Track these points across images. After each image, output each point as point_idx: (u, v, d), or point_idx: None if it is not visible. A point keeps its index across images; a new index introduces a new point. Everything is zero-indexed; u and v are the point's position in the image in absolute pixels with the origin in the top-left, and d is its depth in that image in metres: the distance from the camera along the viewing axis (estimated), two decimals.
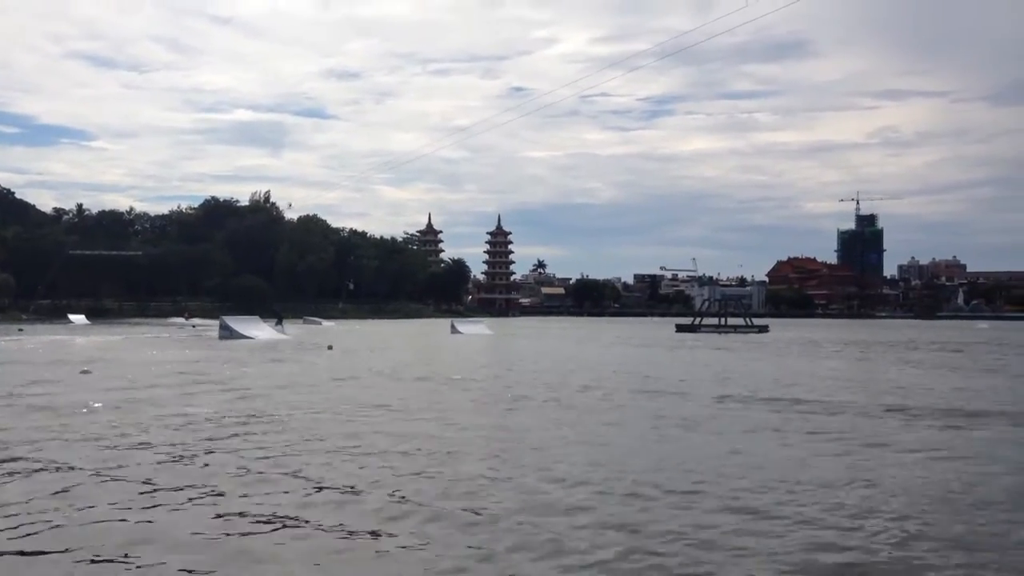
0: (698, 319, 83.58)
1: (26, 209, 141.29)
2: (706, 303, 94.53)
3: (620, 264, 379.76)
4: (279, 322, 65.66)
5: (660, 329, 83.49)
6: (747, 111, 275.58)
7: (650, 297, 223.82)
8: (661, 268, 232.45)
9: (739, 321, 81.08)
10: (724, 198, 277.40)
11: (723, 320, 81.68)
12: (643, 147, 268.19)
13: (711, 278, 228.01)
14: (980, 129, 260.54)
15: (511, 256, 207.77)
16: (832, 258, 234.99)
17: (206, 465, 11.78)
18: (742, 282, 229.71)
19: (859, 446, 13.65)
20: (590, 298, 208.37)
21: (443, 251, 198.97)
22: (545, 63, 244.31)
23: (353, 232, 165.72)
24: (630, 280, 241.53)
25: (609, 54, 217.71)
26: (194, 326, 78.28)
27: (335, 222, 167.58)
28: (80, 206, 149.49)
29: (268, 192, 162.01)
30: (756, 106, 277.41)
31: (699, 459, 12.33)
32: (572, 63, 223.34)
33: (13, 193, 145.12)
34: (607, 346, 51.64)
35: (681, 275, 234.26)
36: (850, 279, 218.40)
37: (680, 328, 79.55)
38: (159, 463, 11.82)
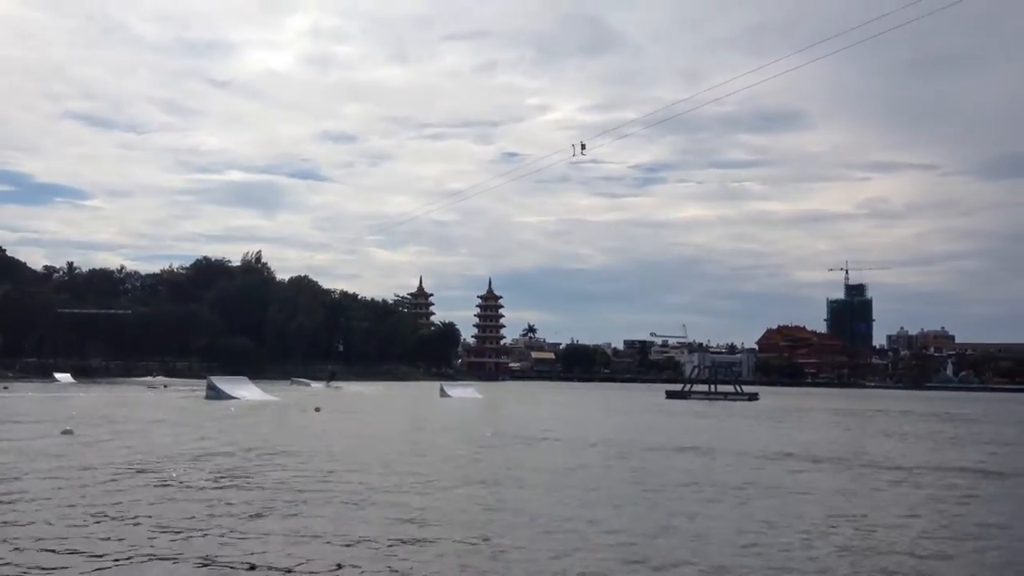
0: (688, 386, 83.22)
1: (17, 267, 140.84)
2: (696, 370, 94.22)
3: (610, 329, 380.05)
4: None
5: (650, 395, 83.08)
6: (738, 180, 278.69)
7: (640, 363, 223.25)
8: (651, 334, 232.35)
9: (729, 388, 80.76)
10: (715, 265, 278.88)
11: (713, 387, 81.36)
12: (634, 214, 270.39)
13: (701, 345, 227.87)
14: (967, 202, 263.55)
15: (502, 320, 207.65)
16: (822, 327, 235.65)
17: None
18: (732, 349, 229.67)
19: None
20: (580, 363, 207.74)
21: (434, 314, 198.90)
22: (537, 129, 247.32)
23: (344, 294, 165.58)
24: (620, 346, 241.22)
25: (600, 122, 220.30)
26: (164, 387, 77.45)
27: (327, 283, 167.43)
28: (71, 264, 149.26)
29: (260, 252, 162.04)
30: (747, 175, 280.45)
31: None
32: (564, 130, 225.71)
33: (4, 251, 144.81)
34: (603, 412, 51.24)
35: (671, 341, 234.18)
36: (839, 348, 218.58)
37: (670, 395, 79.15)
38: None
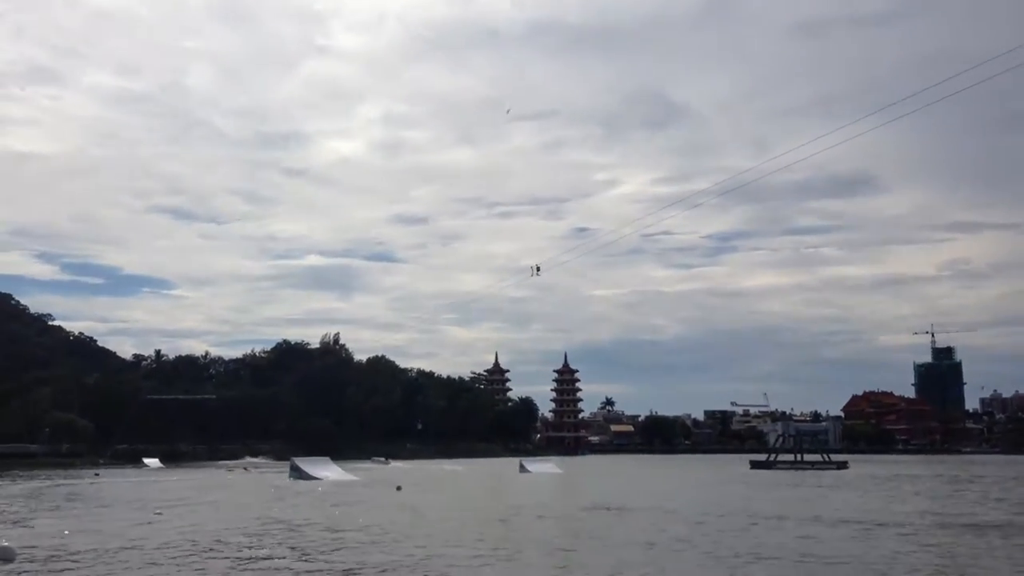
0: (773, 456, 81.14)
1: (107, 356, 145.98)
2: (780, 439, 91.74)
3: (689, 400, 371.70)
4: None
5: (734, 466, 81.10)
6: (813, 246, 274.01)
7: (721, 433, 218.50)
8: (732, 404, 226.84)
9: (816, 457, 78.47)
10: (794, 332, 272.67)
11: (799, 456, 79.14)
12: (708, 283, 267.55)
13: (784, 413, 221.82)
14: None
15: (579, 394, 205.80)
16: (910, 392, 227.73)
17: None
18: (816, 417, 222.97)
19: None
20: (660, 435, 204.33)
21: (510, 390, 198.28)
22: (607, 204, 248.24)
23: (421, 372, 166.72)
24: (700, 416, 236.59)
25: (670, 194, 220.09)
26: (245, 468, 79.11)
27: (403, 363, 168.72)
28: (158, 352, 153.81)
29: (337, 334, 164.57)
30: (822, 241, 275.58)
31: None
32: (634, 203, 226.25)
33: (95, 341, 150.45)
34: (694, 486, 50.06)
35: (753, 411, 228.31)
36: (930, 413, 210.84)
37: (755, 464, 77.23)
38: None
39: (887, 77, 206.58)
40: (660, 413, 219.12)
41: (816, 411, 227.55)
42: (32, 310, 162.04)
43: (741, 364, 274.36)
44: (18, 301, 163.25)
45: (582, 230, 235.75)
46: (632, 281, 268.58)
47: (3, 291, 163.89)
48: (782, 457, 79.90)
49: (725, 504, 32.67)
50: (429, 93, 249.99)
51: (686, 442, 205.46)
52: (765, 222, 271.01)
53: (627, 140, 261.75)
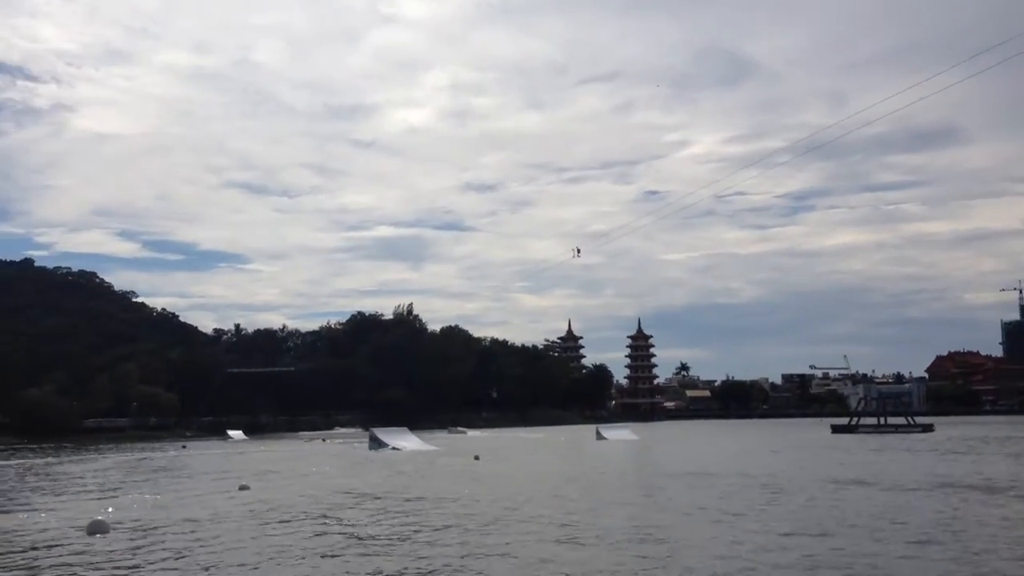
0: (855, 419, 79.28)
1: (189, 331, 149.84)
2: (862, 402, 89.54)
3: (766, 364, 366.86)
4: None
5: (815, 430, 79.53)
6: (893, 202, 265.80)
7: (800, 397, 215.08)
8: (811, 367, 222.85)
9: (900, 420, 76.45)
10: (875, 292, 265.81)
11: (882, 420, 77.23)
12: (785, 244, 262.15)
13: (865, 376, 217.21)
14: None
15: (653, 360, 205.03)
16: (997, 351, 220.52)
17: None
18: (899, 379, 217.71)
19: None
20: (737, 400, 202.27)
21: (584, 357, 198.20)
22: (678, 165, 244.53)
23: (495, 341, 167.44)
24: (778, 380, 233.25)
25: (743, 153, 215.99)
26: (324, 440, 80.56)
27: (477, 332, 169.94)
28: (238, 326, 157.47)
29: (411, 305, 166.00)
30: (902, 197, 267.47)
31: None
32: (705, 163, 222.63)
33: (177, 316, 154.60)
34: (774, 451, 49.12)
35: (832, 373, 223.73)
36: (1019, 373, 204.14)
37: (836, 428, 75.61)
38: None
39: (970, 26, 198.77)
40: (736, 378, 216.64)
41: (899, 373, 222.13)
42: (116, 287, 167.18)
43: (820, 326, 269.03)
44: (102, 279, 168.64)
45: (653, 193, 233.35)
46: (705, 244, 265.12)
47: (88, 269, 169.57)
48: (864, 420, 78.02)
49: (808, 469, 31.89)
50: (496, 59, 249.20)
51: (764, 407, 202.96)
52: (843, 179, 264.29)
53: (697, 99, 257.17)
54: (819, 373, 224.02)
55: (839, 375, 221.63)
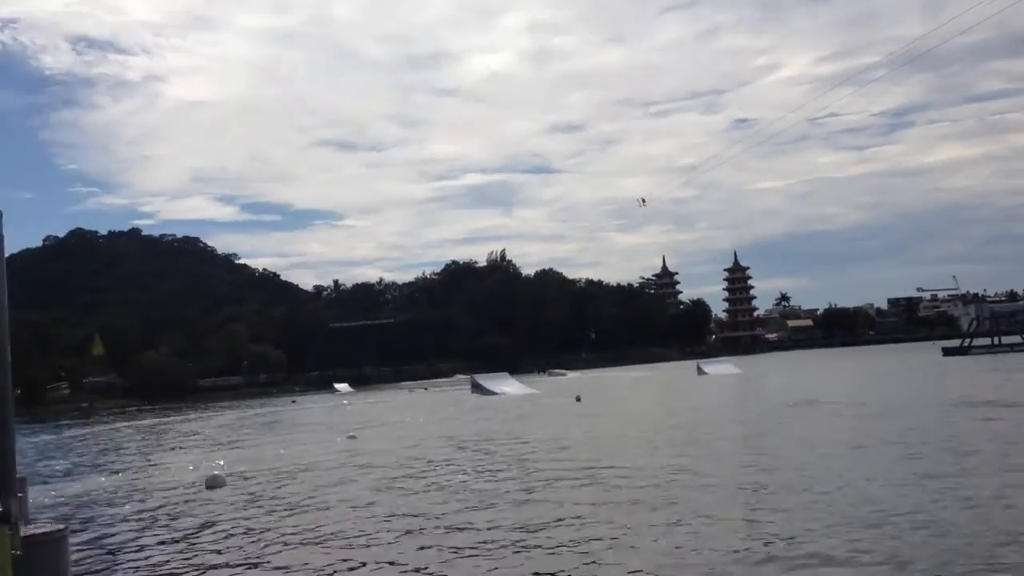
0: (967, 340, 76.54)
1: (291, 289, 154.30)
2: (975, 323, 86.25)
3: (871, 289, 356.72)
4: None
5: (925, 354, 77.02)
6: (998, 112, 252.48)
7: (908, 321, 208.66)
8: (918, 289, 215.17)
9: (1016, 339, 73.45)
10: (983, 208, 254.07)
11: (996, 339, 74.33)
12: (885, 164, 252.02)
13: (977, 295, 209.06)
14: None
15: (752, 292, 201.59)
16: None
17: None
18: (1013, 297, 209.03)
19: None
20: (841, 328, 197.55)
21: (680, 293, 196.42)
22: (768, 90, 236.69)
23: (589, 282, 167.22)
24: (884, 305, 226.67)
25: (835, 72, 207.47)
26: (425, 389, 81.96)
27: (571, 274, 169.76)
28: (336, 282, 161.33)
29: (504, 251, 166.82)
30: (1008, 106, 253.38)
31: None
32: (796, 86, 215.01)
33: (279, 276, 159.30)
34: (884, 377, 47.80)
35: (941, 295, 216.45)
36: None
37: (948, 351, 73.14)
38: None
39: None
40: (840, 305, 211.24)
41: (1012, 290, 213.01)
42: (219, 251, 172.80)
43: (925, 247, 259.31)
44: (205, 244, 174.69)
45: (742, 121, 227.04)
46: (800, 170, 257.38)
47: (191, 235, 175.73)
48: (977, 341, 75.29)
49: (922, 394, 30.88)
50: None
51: (870, 333, 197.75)
52: (943, 91, 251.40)
53: (785, 19, 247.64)
54: (927, 295, 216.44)
55: (948, 296, 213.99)
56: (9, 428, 3.36)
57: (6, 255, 4.28)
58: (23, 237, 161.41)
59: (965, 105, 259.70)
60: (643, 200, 59.93)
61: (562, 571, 8.87)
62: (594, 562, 9.13)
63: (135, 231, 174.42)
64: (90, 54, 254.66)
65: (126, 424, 54.14)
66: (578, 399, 43.26)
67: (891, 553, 8.52)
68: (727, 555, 8.96)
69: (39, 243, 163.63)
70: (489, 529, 11.25)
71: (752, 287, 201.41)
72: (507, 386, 57.65)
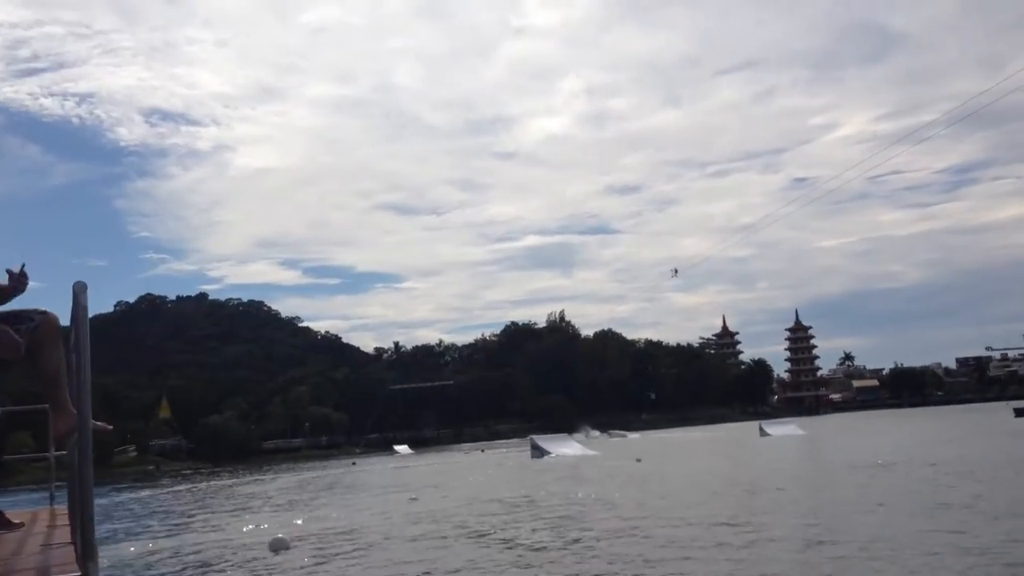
0: None
1: (352, 352, 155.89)
2: None
3: (937, 349, 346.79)
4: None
5: (997, 415, 74.46)
6: None
7: (978, 381, 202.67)
8: (987, 348, 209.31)
9: None
10: None
11: None
12: (948, 221, 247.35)
13: None
14: None
15: (814, 351, 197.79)
16: None
17: None
18: None
19: None
20: (908, 388, 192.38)
21: (741, 352, 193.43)
22: (826, 149, 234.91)
23: (649, 342, 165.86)
24: (952, 364, 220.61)
25: (894, 130, 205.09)
26: (482, 451, 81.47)
27: (630, 334, 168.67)
28: (397, 344, 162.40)
29: (563, 312, 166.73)
30: None
31: None
32: (856, 144, 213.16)
33: (340, 338, 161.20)
34: (957, 439, 46.31)
35: (1012, 354, 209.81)
36: None
37: (1020, 412, 70.77)
38: None
39: None
40: (906, 365, 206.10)
41: None
42: (283, 314, 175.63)
43: (993, 305, 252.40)
44: (270, 307, 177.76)
45: (801, 180, 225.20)
46: (861, 228, 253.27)
47: (256, 299, 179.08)
48: None
49: (998, 457, 29.89)
50: (629, 58, 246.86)
51: (938, 393, 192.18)
52: (1007, 148, 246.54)
53: (842, 79, 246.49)
54: (997, 355, 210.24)
55: (1019, 355, 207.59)
56: (90, 493, 3.56)
57: None
58: (96, 302, 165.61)
59: None
60: (675, 271, 60.84)
61: None
62: None
63: (202, 295, 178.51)
64: (163, 126, 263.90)
65: (191, 486, 54.89)
66: (638, 461, 42.84)
67: None
68: None
69: (111, 308, 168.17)
70: None
71: (815, 346, 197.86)
72: (567, 447, 57.27)
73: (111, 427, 5.12)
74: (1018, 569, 10.50)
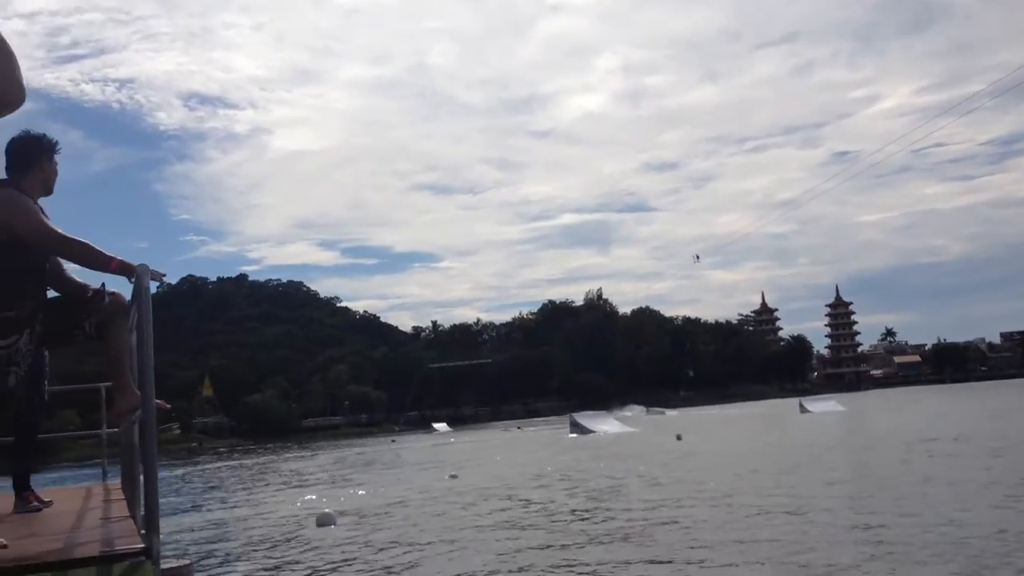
0: None
1: (390, 331, 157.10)
2: None
3: (981, 324, 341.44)
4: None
5: None
6: None
7: (1023, 356, 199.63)
8: None
9: None
10: None
11: None
12: (993, 194, 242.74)
13: None
14: None
15: (855, 327, 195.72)
16: None
17: None
18: None
19: None
20: (951, 363, 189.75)
21: (780, 329, 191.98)
22: (867, 122, 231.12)
23: (687, 319, 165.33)
24: (996, 340, 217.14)
25: (939, 102, 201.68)
26: (519, 428, 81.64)
27: (668, 311, 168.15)
28: (435, 323, 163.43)
29: (600, 290, 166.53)
30: None
31: None
32: (898, 117, 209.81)
33: (379, 318, 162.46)
34: (1004, 415, 45.55)
35: None
36: None
37: None
38: None
39: None
40: (949, 340, 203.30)
41: None
42: (322, 295, 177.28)
43: None
44: (309, 288, 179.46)
45: (842, 154, 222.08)
46: (903, 202, 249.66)
47: (295, 279, 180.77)
48: None
49: None
50: (665, 34, 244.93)
51: (982, 368, 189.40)
52: None
53: (883, 51, 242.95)
54: None
55: None
56: (154, 468, 3.60)
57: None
58: None
59: None
60: (697, 257, 60.38)
61: None
62: None
63: (242, 276, 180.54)
64: (201, 110, 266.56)
65: (234, 462, 55.78)
66: (679, 438, 42.65)
67: None
68: None
69: (154, 290, 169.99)
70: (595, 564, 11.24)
71: (855, 322, 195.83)
72: (606, 424, 57.30)
73: (169, 406, 5.20)
74: None
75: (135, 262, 4.16)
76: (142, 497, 3.84)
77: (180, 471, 48.86)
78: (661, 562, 11.30)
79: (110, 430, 7.90)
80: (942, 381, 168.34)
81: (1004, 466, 19.51)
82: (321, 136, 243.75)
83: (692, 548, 12.07)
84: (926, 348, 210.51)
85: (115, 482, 7.40)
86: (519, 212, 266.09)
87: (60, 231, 4.42)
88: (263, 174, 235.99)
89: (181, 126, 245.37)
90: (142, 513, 3.86)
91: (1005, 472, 18.34)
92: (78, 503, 5.98)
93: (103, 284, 4.63)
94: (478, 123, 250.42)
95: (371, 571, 12.34)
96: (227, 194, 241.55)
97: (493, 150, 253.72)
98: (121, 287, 4.52)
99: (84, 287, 4.70)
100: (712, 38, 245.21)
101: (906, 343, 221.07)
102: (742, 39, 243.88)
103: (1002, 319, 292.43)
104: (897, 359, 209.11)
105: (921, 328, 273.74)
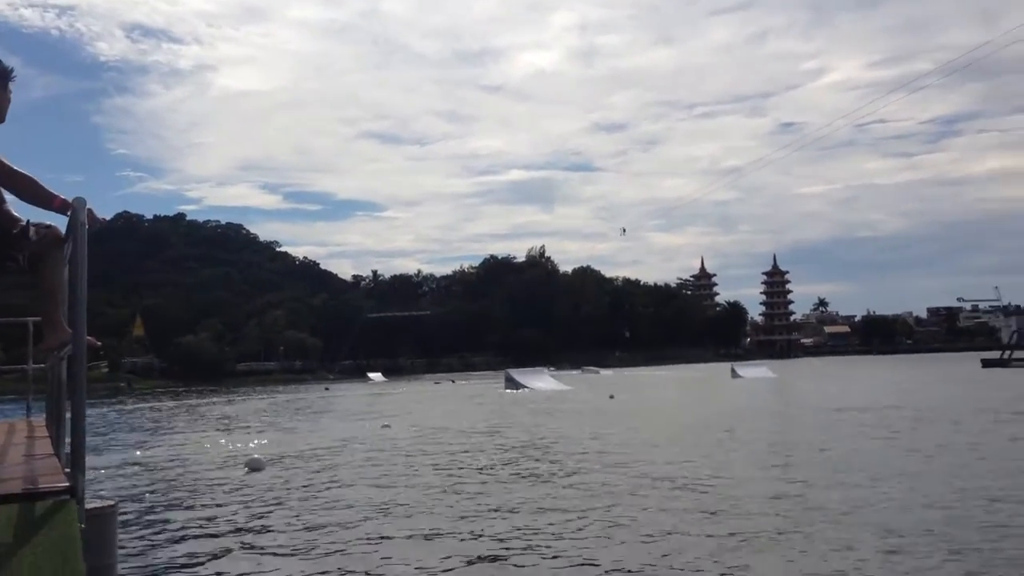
0: (1007, 353, 75.40)
1: (330, 278, 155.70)
2: (1015, 335, 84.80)
3: (910, 298, 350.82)
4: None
5: (964, 365, 75.82)
6: None
7: (947, 331, 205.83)
8: (958, 299, 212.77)
9: None
10: None
11: None
12: (930, 172, 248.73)
13: (1018, 307, 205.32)
14: None
15: (790, 296, 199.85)
16: None
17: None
18: None
19: None
20: (879, 335, 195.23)
21: (718, 294, 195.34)
22: (815, 95, 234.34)
23: (627, 281, 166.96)
24: (923, 314, 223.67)
25: (885, 78, 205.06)
26: (453, 382, 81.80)
27: (609, 272, 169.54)
28: (375, 272, 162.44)
29: (543, 247, 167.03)
30: None
31: None
32: (845, 91, 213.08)
33: (318, 264, 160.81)
34: (923, 386, 47.10)
35: (982, 306, 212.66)
36: None
37: (987, 363, 72.08)
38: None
39: None
40: (878, 312, 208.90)
41: None
42: (261, 238, 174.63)
43: (968, 257, 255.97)
44: (248, 230, 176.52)
45: (788, 125, 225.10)
46: (845, 175, 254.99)
47: (235, 222, 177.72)
48: (1018, 354, 74.09)
49: (964, 403, 30.53)
50: None
51: (908, 342, 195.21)
52: (994, 101, 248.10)
53: (836, 24, 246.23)
54: (968, 306, 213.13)
55: (989, 307, 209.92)
56: (82, 406, 3.58)
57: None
58: None
59: (1016, 115, 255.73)
60: (624, 230, 61.10)
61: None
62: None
63: (180, 216, 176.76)
64: (144, 42, 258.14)
65: (163, 404, 55.15)
66: (611, 397, 43.43)
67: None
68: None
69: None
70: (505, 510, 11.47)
71: (790, 291, 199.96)
72: (540, 381, 57.86)
73: (99, 343, 5.14)
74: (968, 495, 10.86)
75: (70, 196, 4.08)
76: (68, 435, 3.82)
77: (106, 410, 48.13)
78: (574, 512, 11.56)
79: (36, 365, 7.78)
80: (869, 352, 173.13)
81: (927, 434, 20.28)
82: (268, 77, 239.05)
83: (611, 500, 12.38)
84: (856, 319, 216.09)
85: (39, 419, 7.32)
86: (466, 166, 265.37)
87: (7, 162, 4.33)
88: (206, 112, 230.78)
89: (123, 58, 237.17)
90: (67, 452, 3.84)
91: (924, 439, 19.08)
92: (0, 439, 5.91)
93: (28, 221, 4.51)
94: (430, 74, 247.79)
95: (298, 515, 12.43)
96: (168, 131, 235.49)
97: (443, 102, 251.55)
98: (59, 224, 4.44)
99: (16, 220, 4.60)
100: (670, 1, 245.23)
101: (837, 313, 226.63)
102: (699, 4, 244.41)
103: (930, 295, 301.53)
104: (828, 329, 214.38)
105: (853, 299, 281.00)
